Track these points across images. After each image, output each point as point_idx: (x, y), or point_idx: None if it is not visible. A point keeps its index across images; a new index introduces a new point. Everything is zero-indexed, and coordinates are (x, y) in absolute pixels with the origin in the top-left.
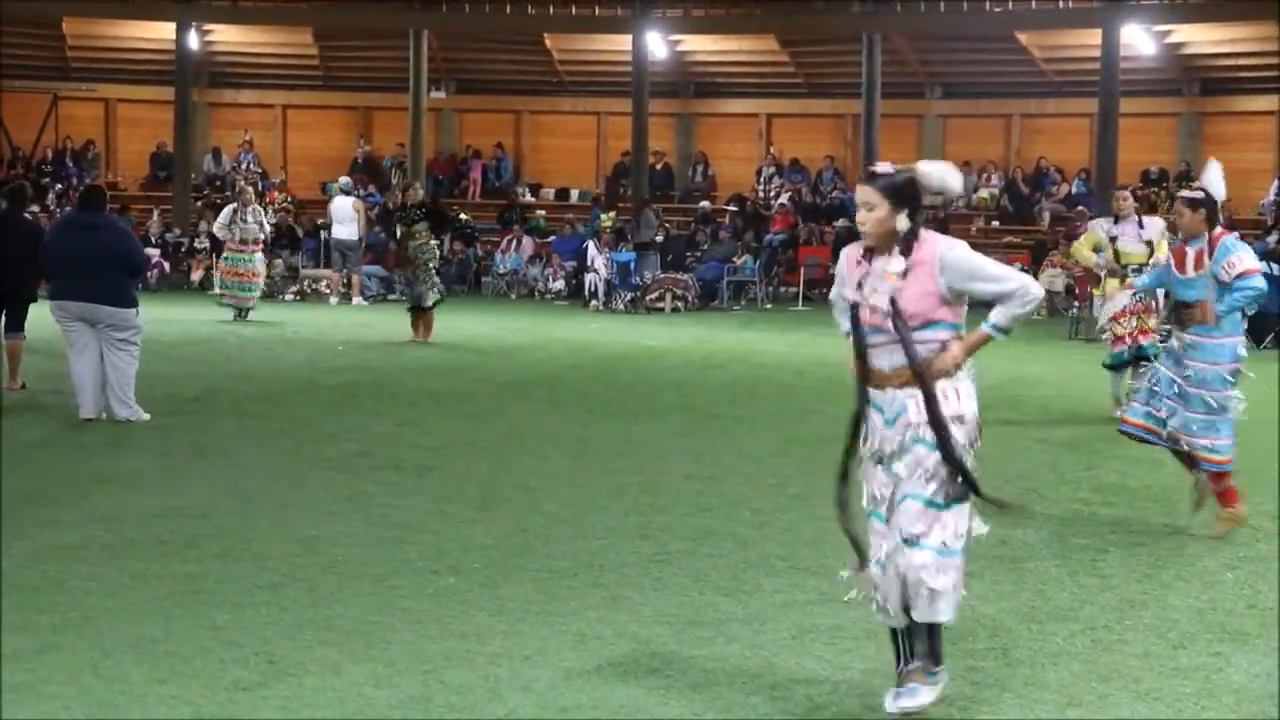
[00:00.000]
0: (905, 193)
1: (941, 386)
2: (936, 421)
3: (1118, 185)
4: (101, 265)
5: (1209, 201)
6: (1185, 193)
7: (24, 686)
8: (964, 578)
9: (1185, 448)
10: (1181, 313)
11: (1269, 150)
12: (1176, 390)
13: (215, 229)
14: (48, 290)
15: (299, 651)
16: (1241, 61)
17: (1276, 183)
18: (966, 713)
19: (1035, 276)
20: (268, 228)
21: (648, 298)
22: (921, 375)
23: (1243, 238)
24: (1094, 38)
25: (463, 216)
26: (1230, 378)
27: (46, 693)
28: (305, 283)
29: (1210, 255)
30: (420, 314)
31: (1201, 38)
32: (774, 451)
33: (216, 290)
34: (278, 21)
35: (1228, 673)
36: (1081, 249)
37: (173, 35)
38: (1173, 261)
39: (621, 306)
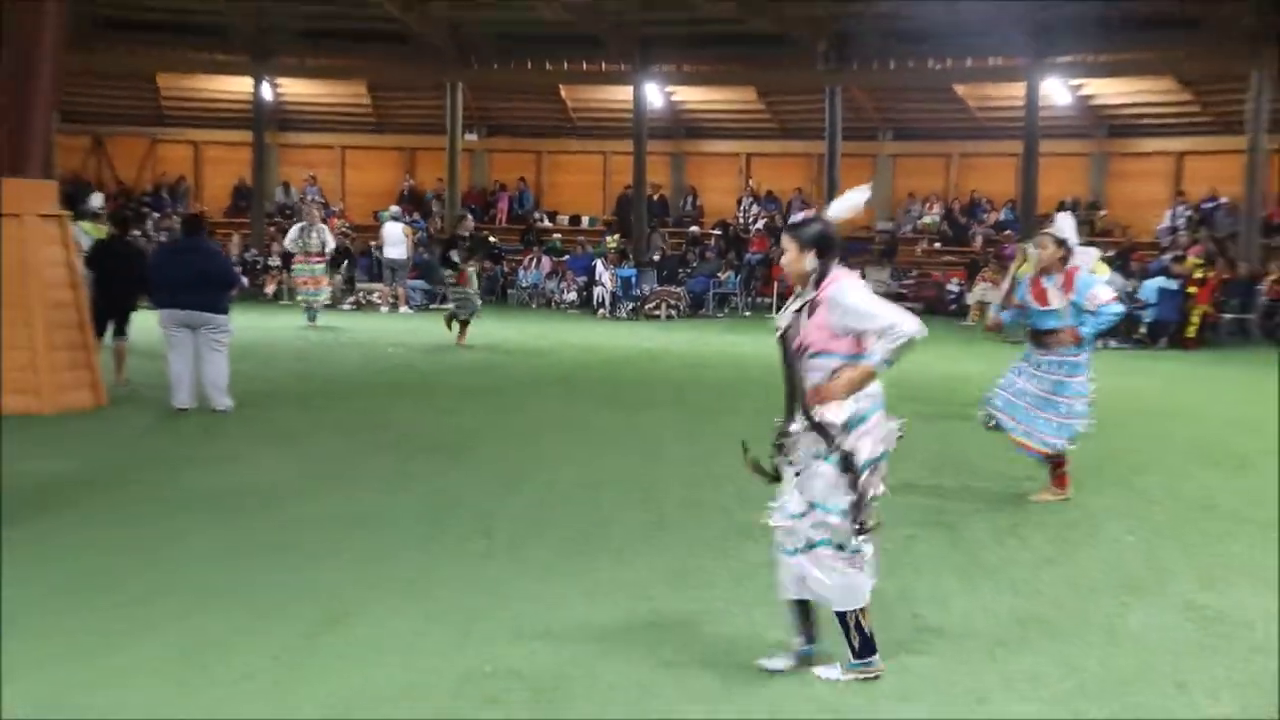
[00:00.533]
0: (812, 237)
1: (824, 409)
2: (822, 431)
3: (1048, 218)
4: (201, 280)
5: (1066, 242)
6: (1051, 230)
7: (128, 632)
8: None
9: (1032, 444)
10: (1044, 338)
11: (1164, 185)
12: (1029, 400)
13: (286, 243)
14: (154, 301)
15: (356, 602)
16: (1142, 110)
17: (1170, 212)
18: (910, 654)
19: (970, 289)
20: (330, 244)
21: (646, 307)
22: (805, 396)
23: (1141, 258)
24: (1019, 90)
25: (492, 239)
26: (1084, 388)
27: (148, 635)
28: (360, 294)
29: (1071, 288)
30: (464, 324)
31: (1109, 90)
32: (754, 437)
33: (299, 299)
34: (337, 76)
35: (1128, 619)
36: (1023, 271)
37: (250, 88)
38: (1030, 294)
39: (624, 315)
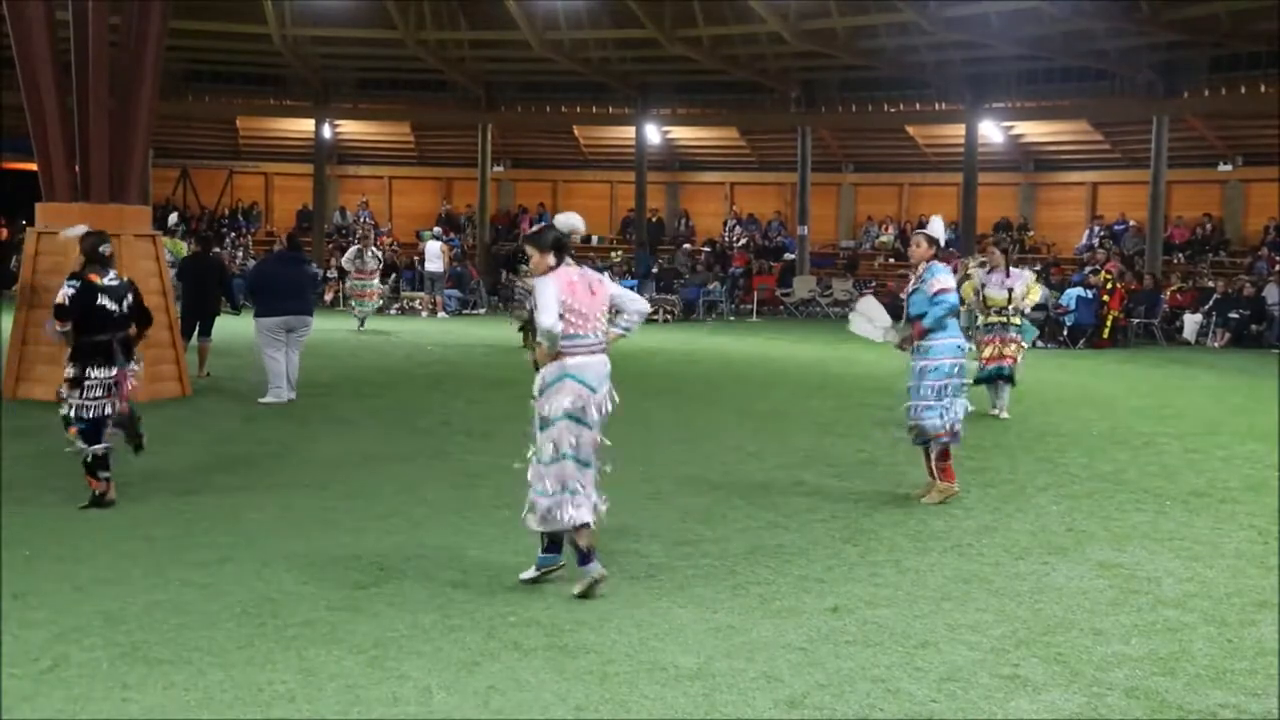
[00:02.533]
0: (546, 242)
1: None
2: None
3: (985, 236)
4: (301, 288)
5: (935, 239)
6: (925, 231)
7: (204, 586)
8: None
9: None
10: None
11: (1081, 210)
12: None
13: (344, 261)
14: (259, 307)
15: (399, 563)
16: (1062, 148)
17: (1087, 232)
18: (870, 607)
19: None
20: (381, 261)
21: None
22: (535, 363)
23: (1062, 271)
24: (960, 130)
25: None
26: (952, 369)
27: (222, 590)
28: (404, 301)
29: (919, 277)
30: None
31: (1035, 131)
32: (736, 422)
33: (353, 307)
34: (386, 118)
35: (1053, 576)
36: (966, 290)
37: (313, 128)
38: (902, 288)
39: None
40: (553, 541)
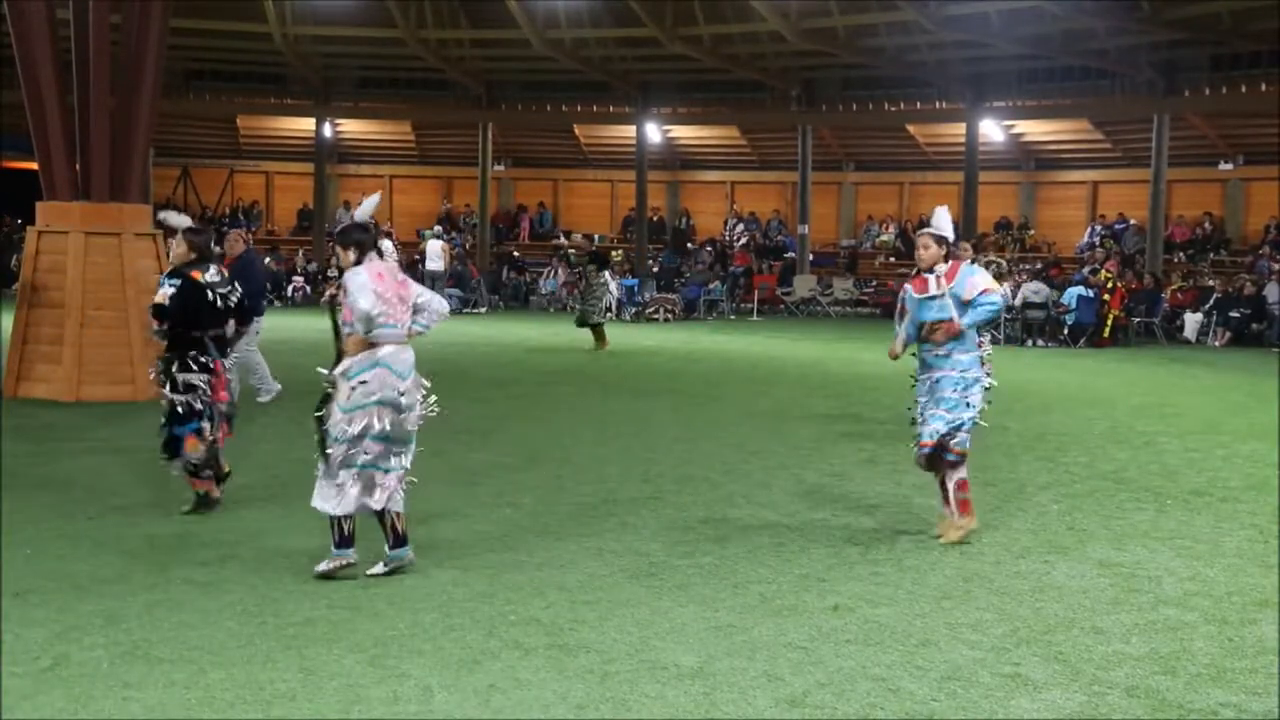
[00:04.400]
0: (350, 239)
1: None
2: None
3: (986, 236)
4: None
5: (944, 238)
6: (929, 230)
7: (205, 584)
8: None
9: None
10: (927, 331)
11: (1082, 209)
12: (930, 398)
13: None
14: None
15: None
16: (1063, 147)
17: (1087, 231)
18: (871, 606)
19: None
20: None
21: (646, 311)
22: (340, 353)
23: (1059, 272)
24: (960, 129)
25: (514, 254)
26: (979, 377)
27: (222, 589)
28: None
29: (952, 278)
30: (595, 330)
31: (1036, 130)
32: (737, 421)
33: None
34: (386, 117)
35: (1054, 575)
36: None
37: (313, 127)
38: (912, 289)
39: (628, 317)
40: (344, 536)
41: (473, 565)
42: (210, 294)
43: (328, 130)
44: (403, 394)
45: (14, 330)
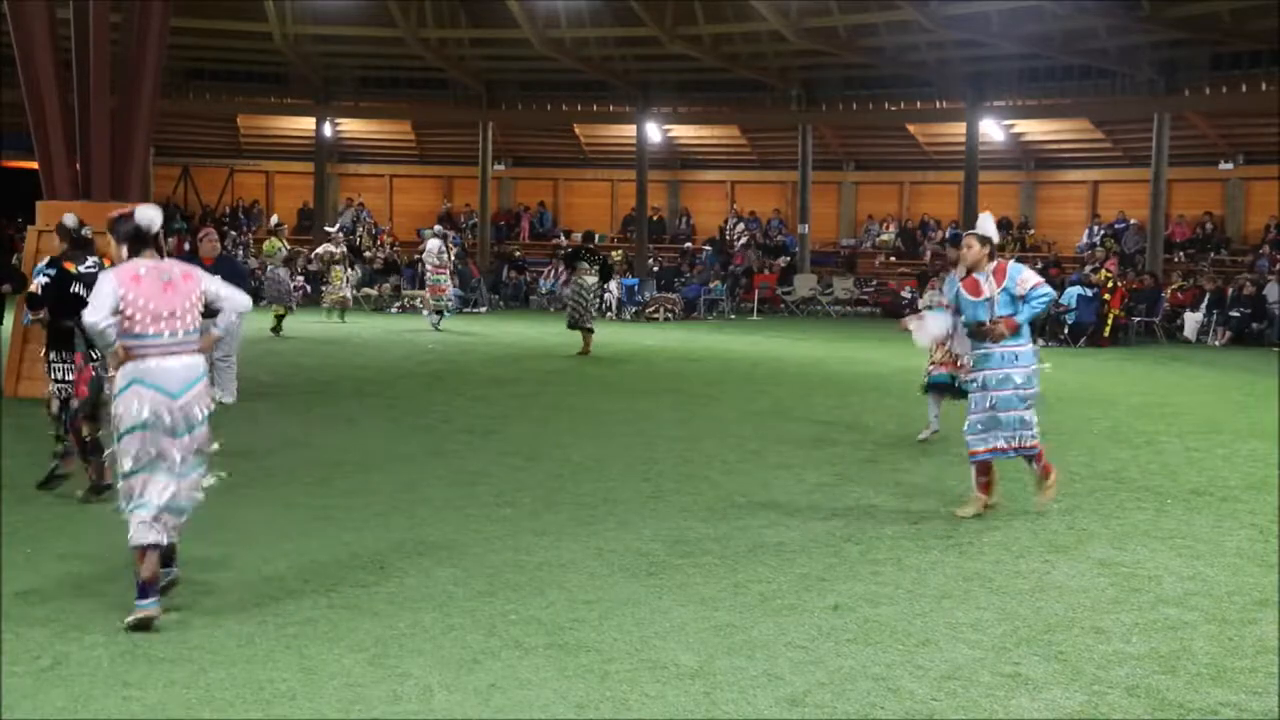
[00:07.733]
0: (119, 233)
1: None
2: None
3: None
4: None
5: (989, 238)
6: (976, 230)
7: (204, 584)
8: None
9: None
10: (980, 330)
11: (1082, 209)
12: (990, 404)
13: (426, 256)
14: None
15: (401, 560)
16: (1064, 146)
17: (1087, 230)
18: (871, 605)
19: (921, 295)
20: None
21: (647, 310)
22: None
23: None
24: (961, 128)
25: (516, 253)
26: (1033, 376)
27: (218, 596)
28: (405, 300)
29: (1003, 278)
30: (583, 334)
31: (1036, 129)
32: (737, 420)
33: (428, 307)
34: (386, 116)
35: (1054, 574)
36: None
37: (313, 127)
38: (963, 288)
39: (628, 317)
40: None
41: (472, 565)
42: (74, 285)
43: (328, 130)
44: (176, 412)
45: (14, 330)
